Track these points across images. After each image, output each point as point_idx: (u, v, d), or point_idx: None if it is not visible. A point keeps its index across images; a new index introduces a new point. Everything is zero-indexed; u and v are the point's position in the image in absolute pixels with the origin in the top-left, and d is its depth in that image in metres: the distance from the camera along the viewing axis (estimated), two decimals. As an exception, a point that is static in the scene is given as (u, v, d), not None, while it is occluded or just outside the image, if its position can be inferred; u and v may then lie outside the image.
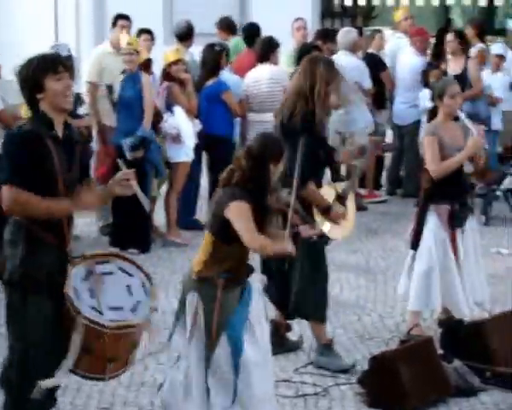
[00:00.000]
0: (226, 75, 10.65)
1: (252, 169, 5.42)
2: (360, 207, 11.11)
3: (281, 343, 6.95)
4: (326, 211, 6.73)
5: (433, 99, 7.28)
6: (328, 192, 6.80)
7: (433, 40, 12.25)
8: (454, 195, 7.12)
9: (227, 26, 12.17)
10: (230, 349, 5.35)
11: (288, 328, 7.21)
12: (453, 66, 11.37)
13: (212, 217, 5.50)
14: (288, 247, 5.39)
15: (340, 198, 6.82)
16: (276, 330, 6.86)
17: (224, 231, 5.40)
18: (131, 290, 4.97)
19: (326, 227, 6.76)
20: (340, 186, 6.87)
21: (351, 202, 6.94)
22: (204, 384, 5.35)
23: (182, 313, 5.51)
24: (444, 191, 7.09)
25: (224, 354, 5.35)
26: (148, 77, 10.04)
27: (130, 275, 5.02)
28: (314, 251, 6.73)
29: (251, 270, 5.59)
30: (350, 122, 11.16)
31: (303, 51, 10.33)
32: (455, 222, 7.14)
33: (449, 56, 11.72)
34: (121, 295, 4.92)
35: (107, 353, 4.83)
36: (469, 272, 7.22)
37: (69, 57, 9.43)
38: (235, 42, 11.77)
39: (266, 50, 10.50)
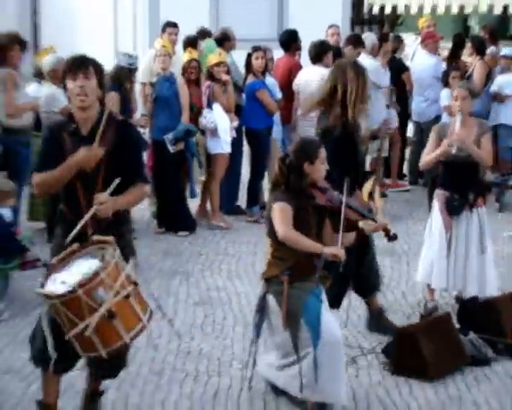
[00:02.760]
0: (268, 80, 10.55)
1: (288, 172, 5.44)
2: (382, 195, 10.97)
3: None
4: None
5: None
6: (363, 195, 6.62)
7: (448, 44, 12.17)
8: (452, 185, 7.07)
9: (202, 33, 11.82)
10: (310, 333, 5.37)
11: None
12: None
13: (266, 220, 5.55)
14: (339, 252, 5.34)
15: (371, 194, 6.64)
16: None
17: (274, 233, 5.42)
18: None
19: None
20: (369, 184, 6.66)
21: (377, 195, 6.76)
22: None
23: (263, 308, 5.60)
24: (442, 180, 7.14)
25: (304, 338, 5.38)
26: (182, 78, 10.04)
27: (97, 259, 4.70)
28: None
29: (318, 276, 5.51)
30: (371, 117, 10.65)
31: (333, 54, 10.44)
32: (450, 210, 7.08)
33: (468, 59, 11.69)
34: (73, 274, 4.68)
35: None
36: (469, 263, 7.07)
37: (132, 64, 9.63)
38: (208, 43, 11.47)
39: (319, 53, 10.34)
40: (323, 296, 5.59)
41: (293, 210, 5.41)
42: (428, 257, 7.24)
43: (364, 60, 10.87)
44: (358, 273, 6.86)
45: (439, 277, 7.13)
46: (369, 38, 11.62)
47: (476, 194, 7.09)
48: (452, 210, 7.07)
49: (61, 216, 5.03)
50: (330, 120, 6.55)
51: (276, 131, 10.69)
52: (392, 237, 6.00)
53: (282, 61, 11.15)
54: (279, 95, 10.59)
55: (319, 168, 5.46)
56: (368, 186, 6.67)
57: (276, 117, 10.61)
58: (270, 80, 10.63)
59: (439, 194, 7.17)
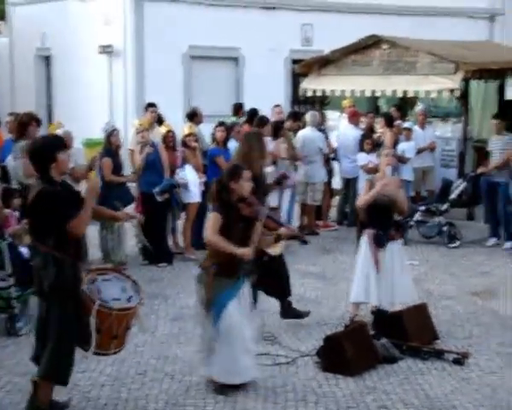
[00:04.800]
0: (232, 144, 10.38)
1: (220, 190, 5.52)
2: (314, 233, 11.35)
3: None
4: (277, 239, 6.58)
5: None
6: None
7: (364, 119, 12.29)
8: (378, 223, 7.04)
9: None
10: (213, 319, 5.45)
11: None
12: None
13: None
14: (246, 252, 5.38)
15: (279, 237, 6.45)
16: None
17: None
18: (125, 289, 5.02)
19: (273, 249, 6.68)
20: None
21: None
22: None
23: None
24: (369, 221, 7.08)
25: (210, 322, 5.48)
26: (162, 145, 9.95)
27: (122, 281, 5.08)
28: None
29: (246, 269, 5.54)
30: (312, 175, 11.26)
31: (276, 125, 10.52)
32: (378, 243, 7.03)
33: (381, 130, 11.84)
34: (118, 292, 4.96)
35: (114, 330, 4.78)
36: (395, 281, 7.04)
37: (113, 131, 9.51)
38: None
39: (259, 125, 10.20)
40: (244, 289, 5.56)
41: (222, 219, 5.44)
42: (359, 281, 7.09)
43: (311, 132, 11.21)
44: (276, 281, 6.87)
45: (371, 295, 7.02)
46: (315, 115, 11.64)
47: (395, 230, 7.09)
48: (380, 243, 7.00)
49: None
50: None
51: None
52: (304, 242, 6.14)
53: (244, 129, 11.01)
54: None
55: (243, 186, 5.51)
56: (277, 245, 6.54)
57: None
58: (236, 145, 10.17)
59: (369, 232, 7.06)
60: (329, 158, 11.97)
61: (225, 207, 5.48)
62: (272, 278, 6.90)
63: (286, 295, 7.18)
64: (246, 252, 5.41)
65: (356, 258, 7.21)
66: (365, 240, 7.10)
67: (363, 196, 7.18)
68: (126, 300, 4.96)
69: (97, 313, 4.73)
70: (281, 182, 9.54)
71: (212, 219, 5.47)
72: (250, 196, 5.58)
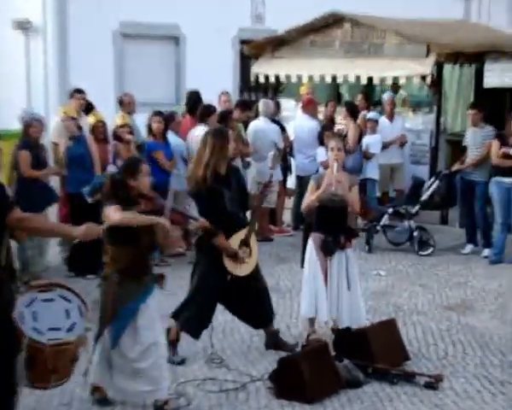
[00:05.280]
0: (171, 137, 10.44)
1: (117, 187, 5.67)
2: (267, 239, 11.34)
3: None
4: (233, 256, 6.67)
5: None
6: (234, 240, 6.69)
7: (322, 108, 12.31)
8: (326, 228, 7.04)
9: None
10: (111, 334, 5.58)
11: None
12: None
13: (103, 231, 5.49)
14: (163, 221, 5.54)
15: (244, 241, 6.73)
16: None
17: (109, 236, 5.55)
18: (69, 314, 4.91)
19: (235, 268, 6.70)
20: (243, 232, 6.75)
21: (253, 241, 6.85)
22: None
23: None
24: (318, 224, 7.10)
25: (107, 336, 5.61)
26: (91, 137, 10.02)
27: (68, 301, 4.96)
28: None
29: (152, 275, 5.66)
30: (265, 173, 10.80)
31: (223, 115, 10.56)
32: (325, 251, 7.05)
33: (343, 121, 11.83)
34: (60, 318, 4.85)
35: (49, 365, 4.72)
36: (342, 297, 7.07)
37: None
38: None
39: (204, 114, 10.35)
40: (152, 298, 5.64)
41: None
42: (307, 293, 7.17)
43: (265, 123, 11.21)
44: (249, 305, 6.88)
45: (320, 310, 7.08)
46: (269, 104, 11.60)
47: (346, 237, 7.07)
48: (327, 251, 7.02)
49: None
50: (199, 175, 6.60)
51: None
52: (213, 234, 6.23)
53: (185, 122, 11.07)
54: (185, 153, 10.38)
55: (142, 181, 5.66)
56: (241, 234, 6.70)
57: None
58: (175, 139, 10.47)
59: (316, 236, 7.10)
60: (286, 154, 11.95)
61: (122, 205, 5.59)
62: (245, 304, 6.90)
63: (266, 323, 7.16)
64: (162, 221, 5.53)
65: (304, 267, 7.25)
66: (311, 246, 7.13)
67: (306, 199, 7.23)
68: (67, 330, 4.86)
69: (28, 347, 4.67)
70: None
71: (114, 209, 5.55)
72: (149, 191, 5.76)
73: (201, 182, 6.54)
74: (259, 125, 11.34)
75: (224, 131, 6.80)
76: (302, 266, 7.29)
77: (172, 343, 6.80)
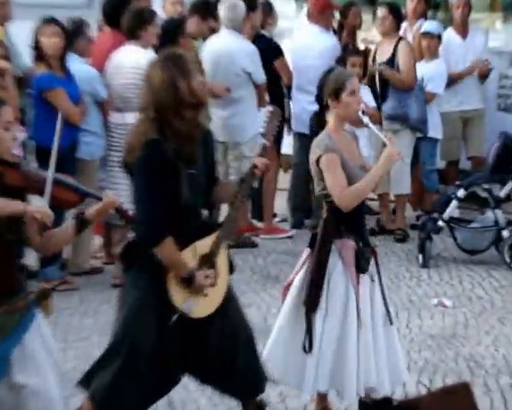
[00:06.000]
0: (76, 65, 9.93)
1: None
2: (251, 244, 11.29)
3: None
4: (187, 281, 6.17)
5: (319, 99, 6.72)
6: (189, 254, 6.20)
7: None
8: (357, 230, 6.77)
9: None
10: None
11: None
12: (385, 49, 11.41)
13: None
14: (40, 209, 5.58)
15: (207, 257, 6.22)
16: None
17: None
18: None
19: (187, 305, 6.24)
20: (206, 241, 6.24)
21: (222, 257, 6.27)
22: None
23: None
24: (348, 224, 6.72)
25: None
26: None
27: None
28: None
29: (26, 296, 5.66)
30: (236, 129, 11.04)
31: (170, 28, 10.66)
32: (360, 265, 6.72)
33: (378, 38, 11.77)
34: None
35: None
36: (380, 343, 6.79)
37: None
38: None
39: (133, 26, 10.05)
40: (36, 324, 5.65)
41: None
42: (328, 358, 6.61)
43: (230, 39, 10.99)
44: (228, 369, 6.48)
45: (348, 379, 6.65)
46: (237, 8, 11.18)
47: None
48: (363, 266, 6.75)
49: None
50: (140, 136, 6.32)
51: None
52: (129, 219, 6.23)
53: (101, 39, 10.67)
54: (103, 93, 10.08)
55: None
56: (203, 245, 6.23)
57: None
58: (88, 71, 10.13)
59: (348, 245, 6.67)
60: (280, 94, 11.82)
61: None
62: (215, 367, 6.47)
63: (253, 392, 6.76)
64: (42, 209, 5.56)
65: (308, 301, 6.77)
66: (340, 260, 6.74)
67: (337, 185, 6.66)
68: None
69: None
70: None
71: None
72: (15, 157, 5.80)
73: (143, 149, 6.14)
74: (220, 43, 11.06)
75: (181, 59, 6.40)
76: (311, 307, 6.77)
77: None
